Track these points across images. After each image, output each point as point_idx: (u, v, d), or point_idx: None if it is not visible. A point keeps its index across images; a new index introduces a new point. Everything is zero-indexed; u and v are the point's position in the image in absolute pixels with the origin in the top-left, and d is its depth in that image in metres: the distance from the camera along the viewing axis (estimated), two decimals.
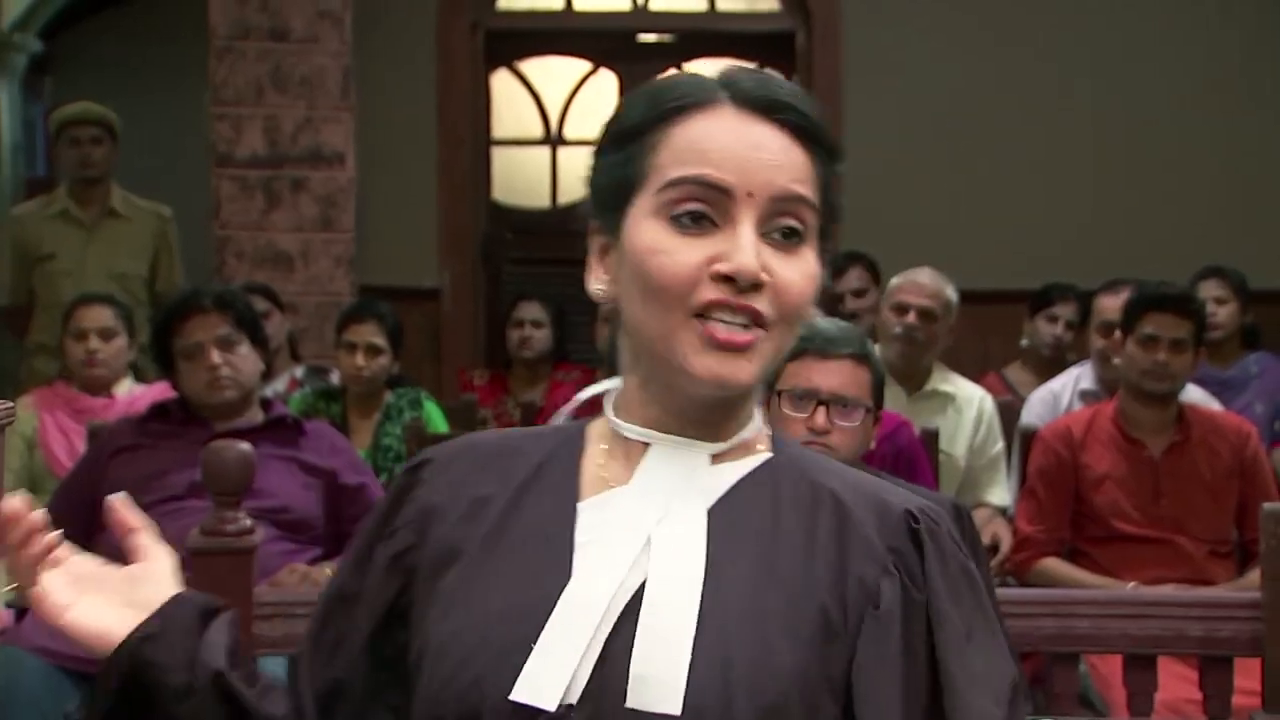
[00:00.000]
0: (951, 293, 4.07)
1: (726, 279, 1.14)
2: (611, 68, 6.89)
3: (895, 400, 3.99)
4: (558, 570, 1.17)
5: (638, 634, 1.12)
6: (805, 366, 2.42)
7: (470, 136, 6.65)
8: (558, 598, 1.14)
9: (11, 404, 3.04)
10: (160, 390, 3.95)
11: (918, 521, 1.19)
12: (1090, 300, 4.54)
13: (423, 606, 1.21)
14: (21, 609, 3.01)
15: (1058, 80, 6.47)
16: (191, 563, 2.38)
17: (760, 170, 1.16)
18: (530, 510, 1.21)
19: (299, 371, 4.92)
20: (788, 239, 1.17)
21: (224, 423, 3.25)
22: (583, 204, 1.25)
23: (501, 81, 6.92)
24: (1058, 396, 4.35)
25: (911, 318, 4.00)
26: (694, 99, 1.18)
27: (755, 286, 1.14)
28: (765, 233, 1.16)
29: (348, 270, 5.42)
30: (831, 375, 2.42)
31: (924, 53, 6.48)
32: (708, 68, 1.23)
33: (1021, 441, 3.96)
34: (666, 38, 7.00)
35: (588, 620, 1.13)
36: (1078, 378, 4.39)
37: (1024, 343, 5.01)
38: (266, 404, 3.39)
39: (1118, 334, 3.65)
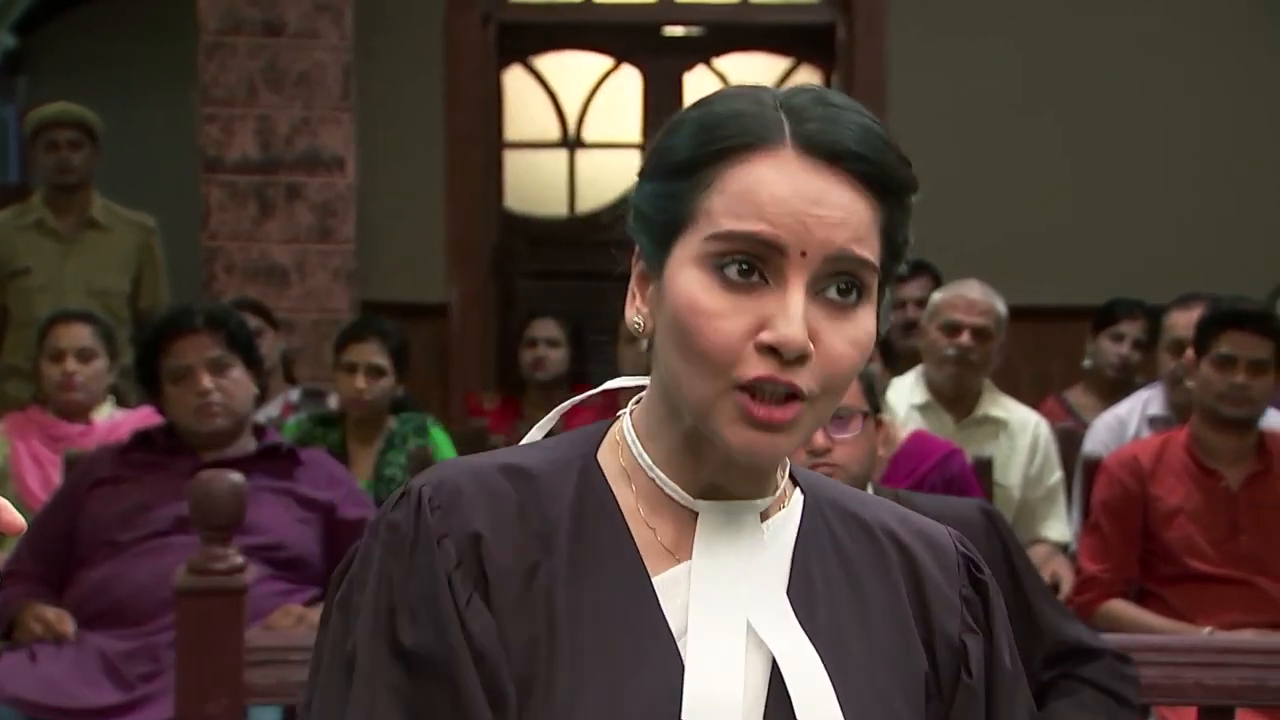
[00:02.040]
0: (1002, 307, 4.07)
1: (771, 349, 1.14)
2: (635, 64, 6.91)
3: (942, 427, 3.99)
4: (667, 664, 1.17)
5: None
6: None
7: (481, 139, 6.67)
8: (678, 697, 1.16)
9: None
10: (143, 416, 3.97)
11: (981, 571, 1.30)
12: (1159, 317, 4.53)
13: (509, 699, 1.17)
14: None
15: (1125, 78, 6.46)
16: (178, 603, 2.39)
17: (818, 228, 1.14)
18: (596, 585, 1.20)
19: (294, 395, 4.93)
20: (844, 296, 1.17)
21: (213, 452, 3.26)
22: (627, 225, 1.25)
23: (515, 79, 6.94)
24: (1124, 422, 4.34)
25: (965, 338, 4.00)
26: (754, 137, 1.16)
27: (800, 359, 1.15)
28: (819, 290, 1.16)
29: (347, 285, 5.44)
30: None
31: (975, 49, 6.47)
32: (767, 92, 1.20)
33: (1084, 472, 3.95)
34: (695, 31, 7.02)
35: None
36: (1146, 402, 4.38)
37: (1087, 363, 5.00)
38: (259, 431, 3.40)
39: (1190, 354, 3.64)
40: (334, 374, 4.44)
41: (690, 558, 1.21)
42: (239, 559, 2.40)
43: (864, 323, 1.18)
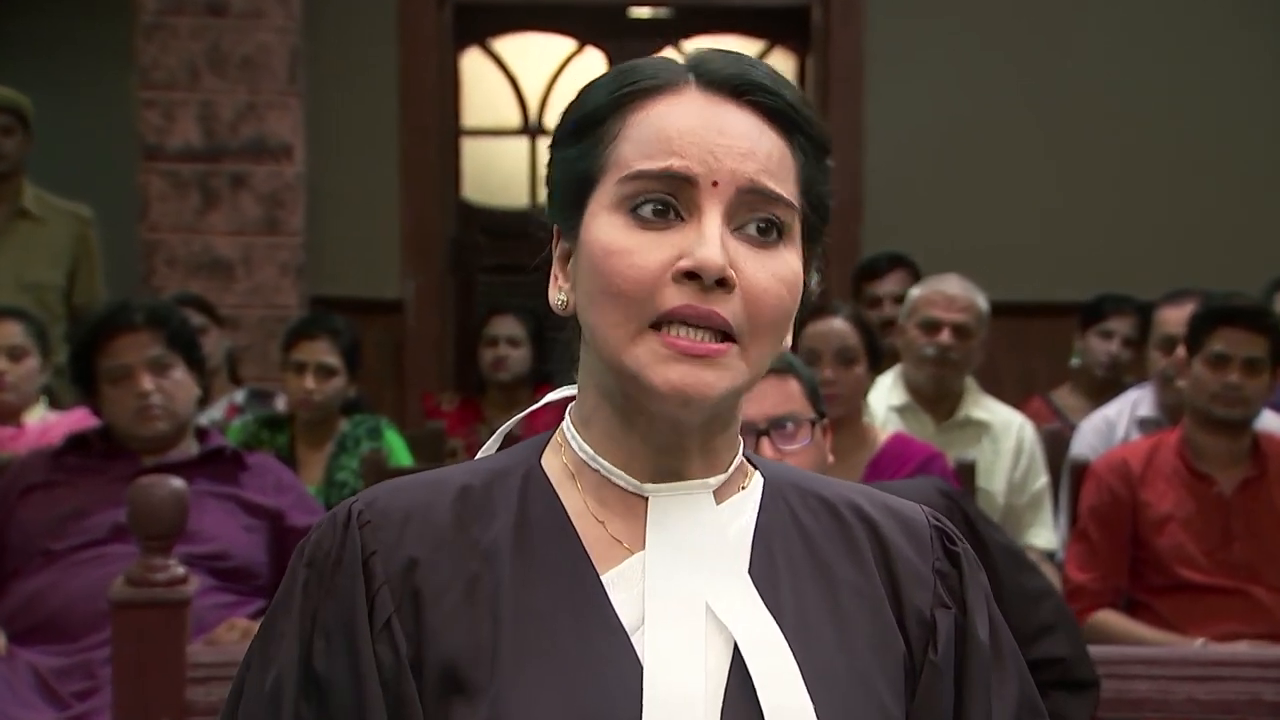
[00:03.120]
0: (983, 303, 4.08)
1: (690, 276, 1.15)
2: (599, 47, 6.91)
3: (922, 429, 4.00)
4: (622, 661, 1.17)
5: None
6: None
7: (437, 126, 6.66)
8: (637, 693, 1.15)
9: None
10: (78, 418, 3.94)
11: (954, 543, 1.31)
12: (1150, 313, 4.55)
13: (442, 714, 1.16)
14: None
15: (1110, 68, 6.49)
16: (115, 617, 2.38)
17: (726, 157, 1.17)
18: (545, 587, 1.19)
19: (239, 396, 4.91)
20: (763, 235, 1.19)
21: (153, 456, 3.24)
22: (542, 207, 1.28)
23: (473, 63, 6.93)
24: (1113, 424, 4.35)
25: (945, 336, 4.00)
26: (657, 81, 1.21)
27: (721, 284, 1.15)
28: (738, 227, 1.18)
29: (296, 279, 5.42)
30: (762, 399, 2.42)
31: (956, 36, 6.50)
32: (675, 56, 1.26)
33: (1072, 476, 3.96)
34: (662, 13, 7.02)
35: (695, 714, 1.15)
36: (1135, 402, 4.40)
37: (1074, 362, 5.02)
38: (202, 434, 3.39)
39: (1182, 352, 3.66)
40: (282, 374, 4.42)
41: (644, 547, 1.22)
42: (180, 569, 2.39)
43: (789, 261, 1.20)
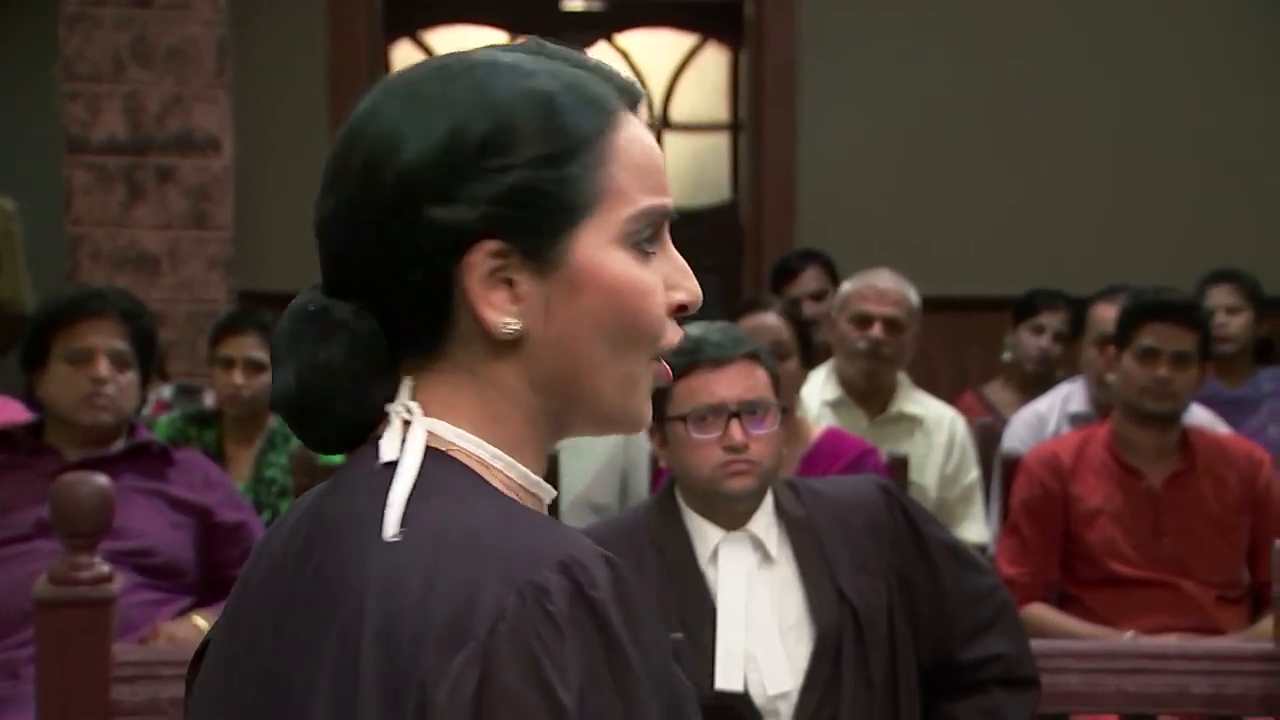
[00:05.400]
0: (914, 297, 4.10)
1: (680, 308, 1.21)
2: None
3: (855, 424, 4.02)
4: None
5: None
6: (702, 381, 2.49)
7: None
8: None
9: None
10: (2, 411, 3.90)
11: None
12: (1082, 309, 4.59)
13: None
14: None
15: (1044, 58, 6.54)
16: (38, 615, 2.36)
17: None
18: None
19: (166, 392, 4.88)
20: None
21: (81, 451, 3.22)
22: (463, 223, 1.14)
23: (404, 55, 6.91)
24: (1044, 418, 4.39)
25: (876, 330, 4.03)
26: (620, 102, 1.20)
27: None
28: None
29: (224, 274, 5.38)
30: (734, 383, 2.49)
31: (892, 30, 6.53)
32: (547, 62, 1.21)
33: (1003, 470, 3.99)
34: (595, 6, 7.02)
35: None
36: (1067, 397, 4.44)
37: (1006, 356, 5.05)
38: (129, 429, 3.36)
39: (1111, 347, 3.69)
40: (209, 369, 4.40)
41: None
42: (105, 567, 2.37)
43: None
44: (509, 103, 1.15)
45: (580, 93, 1.18)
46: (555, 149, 1.15)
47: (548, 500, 1.21)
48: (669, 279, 1.19)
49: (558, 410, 1.19)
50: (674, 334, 1.20)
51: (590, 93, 1.19)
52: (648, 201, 1.17)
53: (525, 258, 1.15)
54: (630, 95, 1.21)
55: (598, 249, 1.16)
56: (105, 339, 3.23)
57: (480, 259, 1.14)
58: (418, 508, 1.09)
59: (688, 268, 1.20)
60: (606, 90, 1.20)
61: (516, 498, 1.16)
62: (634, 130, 1.19)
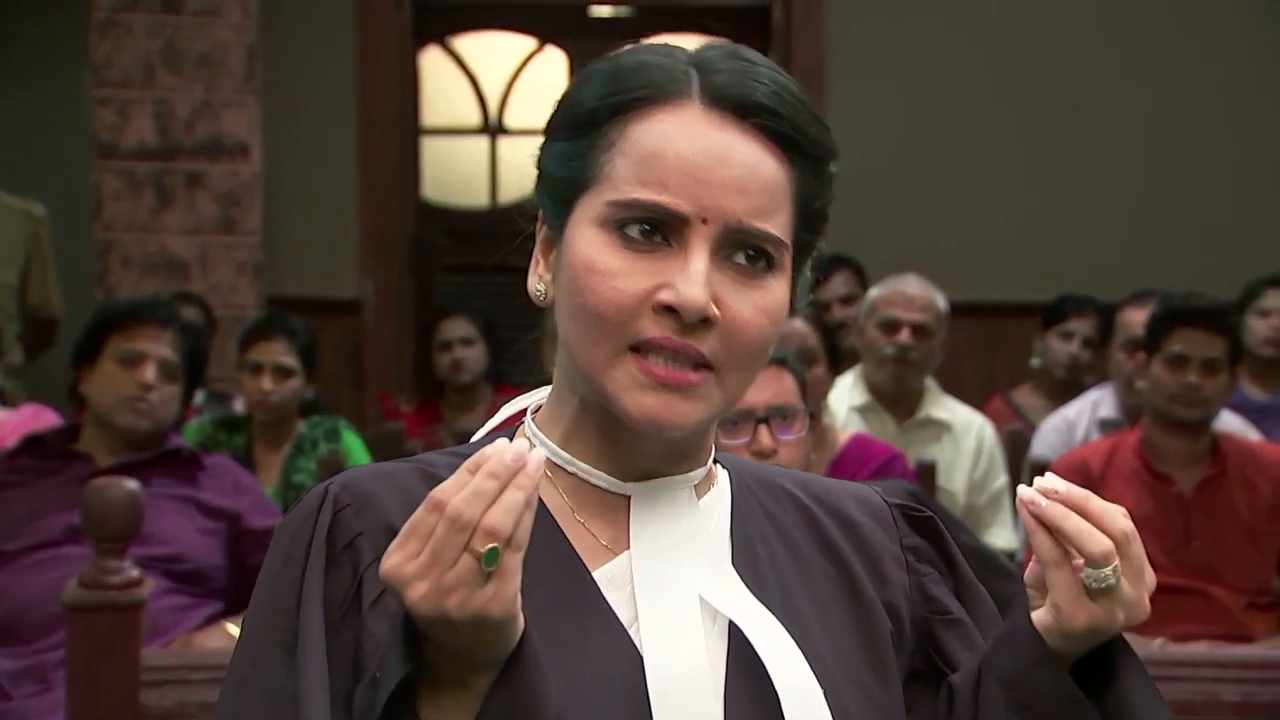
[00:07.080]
0: (942, 302, 4.10)
1: (670, 310, 1.15)
2: (560, 46, 6.91)
3: (883, 429, 4.02)
4: (622, 655, 1.17)
5: (784, 703, 1.16)
6: None
7: (396, 125, 6.64)
8: (641, 684, 1.15)
9: None
10: (32, 416, 3.92)
11: (919, 510, 1.35)
12: (1112, 314, 4.58)
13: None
14: None
15: (1072, 63, 6.51)
16: (69, 619, 2.37)
17: (720, 192, 1.16)
18: (540, 587, 1.15)
19: (197, 397, 4.89)
20: (752, 264, 1.18)
21: (111, 456, 3.23)
22: (529, 195, 1.26)
23: (432, 61, 6.92)
24: (1073, 425, 4.38)
25: (905, 336, 4.02)
26: (660, 90, 1.18)
27: (703, 322, 1.15)
28: (726, 256, 1.17)
29: (253, 279, 5.40)
30: (762, 388, 2.51)
31: (920, 34, 6.51)
32: (680, 48, 1.23)
33: (1031, 476, 3.95)
34: (623, 12, 7.02)
35: (701, 698, 1.16)
36: (1096, 403, 4.42)
37: (1035, 362, 5.04)
38: (160, 435, 3.37)
39: (1140, 353, 3.68)
40: (238, 375, 4.41)
41: (628, 548, 1.22)
42: (135, 572, 2.37)
43: (774, 292, 1.19)
44: (571, 84, 1.24)
45: (613, 74, 1.21)
46: (560, 124, 1.23)
47: (595, 480, 1.23)
48: (664, 277, 1.15)
49: (591, 390, 1.20)
50: (651, 328, 1.15)
51: (623, 74, 1.20)
52: (636, 193, 1.16)
53: (550, 227, 1.23)
54: (697, 79, 1.19)
55: (578, 224, 1.19)
56: (158, 347, 3.27)
57: (537, 228, 1.26)
58: None
59: (697, 274, 1.14)
60: (653, 77, 1.19)
61: (550, 473, 1.24)
62: (667, 126, 1.17)
